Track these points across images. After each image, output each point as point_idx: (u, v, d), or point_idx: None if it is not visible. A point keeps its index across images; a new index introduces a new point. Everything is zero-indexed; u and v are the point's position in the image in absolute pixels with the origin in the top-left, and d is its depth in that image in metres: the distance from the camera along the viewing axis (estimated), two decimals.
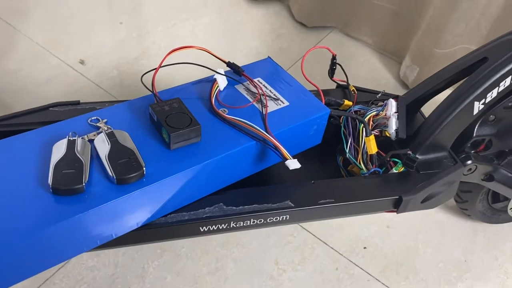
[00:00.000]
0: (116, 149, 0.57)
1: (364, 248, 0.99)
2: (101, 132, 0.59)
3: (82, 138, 0.59)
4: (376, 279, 0.94)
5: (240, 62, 0.76)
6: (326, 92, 0.87)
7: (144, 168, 0.56)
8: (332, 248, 0.98)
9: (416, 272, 0.96)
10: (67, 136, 0.58)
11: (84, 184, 0.53)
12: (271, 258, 0.94)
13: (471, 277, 0.97)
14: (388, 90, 0.97)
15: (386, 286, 0.94)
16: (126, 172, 0.55)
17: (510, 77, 0.72)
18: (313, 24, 1.45)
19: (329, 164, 0.82)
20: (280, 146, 0.64)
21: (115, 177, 0.54)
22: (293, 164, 0.63)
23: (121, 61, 1.26)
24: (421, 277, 0.96)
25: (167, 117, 0.60)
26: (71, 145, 0.56)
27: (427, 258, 0.99)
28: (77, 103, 0.75)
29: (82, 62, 1.23)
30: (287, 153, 0.64)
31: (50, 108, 0.74)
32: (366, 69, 1.37)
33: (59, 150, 0.56)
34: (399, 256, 0.99)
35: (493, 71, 0.71)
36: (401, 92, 1.03)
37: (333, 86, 0.90)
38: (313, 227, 1.00)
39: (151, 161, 0.58)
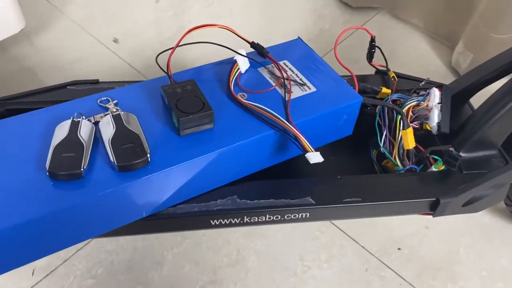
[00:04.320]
0: (121, 133, 0.53)
1: (399, 249, 0.91)
2: (108, 114, 0.56)
3: (88, 119, 0.55)
4: (410, 284, 0.87)
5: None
6: (363, 78, 0.79)
7: (148, 155, 0.51)
8: (362, 247, 0.91)
9: (455, 280, 0.88)
10: (72, 117, 0.54)
11: (82, 169, 0.49)
12: (295, 253, 0.89)
13: None
14: (438, 78, 0.88)
15: None
16: (128, 158, 0.51)
17: None
18: (359, 4, 1.35)
19: (362, 158, 0.75)
20: (301, 136, 0.58)
21: (116, 164, 0.50)
22: (314, 157, 0.57)
23: (155, 40, 1.23)
24: (461, 286, 0.87)
25: (178, 101, 0.55)
26: (74, 126, 0.53)
27: (469, 264, 0.90)
28: (96, 82, 0.73)
29: (115, 41, 1.21)
30: (308, 144, 0.58)
31: (68, 87, 0.71)
32: (415, 54, 1.26)
33: (61, 131, 0.52)
34: (437, 260, 0.90)
35: None
36: (451, 81, 0.93)
37: (374, 71, 0.83)
38: (344, 223, 0.93)
39: (158, 147, 0.54)
